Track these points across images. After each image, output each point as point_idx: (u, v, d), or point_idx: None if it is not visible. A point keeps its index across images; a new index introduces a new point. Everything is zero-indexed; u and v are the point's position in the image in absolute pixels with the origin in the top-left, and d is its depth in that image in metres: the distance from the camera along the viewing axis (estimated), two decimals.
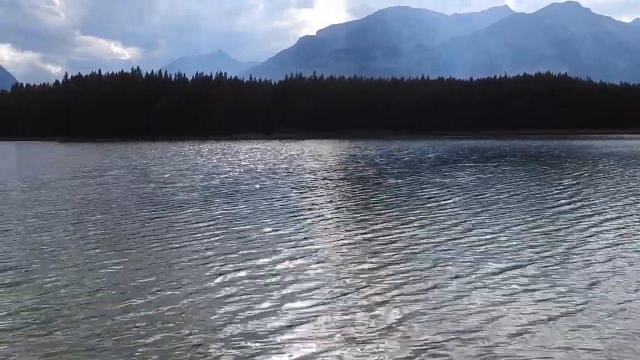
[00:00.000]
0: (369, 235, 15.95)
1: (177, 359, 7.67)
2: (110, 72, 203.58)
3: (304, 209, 21.40)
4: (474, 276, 11.50)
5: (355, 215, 20.03)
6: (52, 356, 7.82)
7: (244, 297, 10.29)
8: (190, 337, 8.43)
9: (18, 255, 13.90)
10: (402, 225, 17.58)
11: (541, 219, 18.56)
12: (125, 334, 8.58)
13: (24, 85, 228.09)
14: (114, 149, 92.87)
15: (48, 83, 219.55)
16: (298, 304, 9.85)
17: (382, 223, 17.99)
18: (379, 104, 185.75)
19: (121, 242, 15.52)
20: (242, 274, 11.88)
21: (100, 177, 37.37)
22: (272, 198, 24.81)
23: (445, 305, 9.69)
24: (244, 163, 49.84)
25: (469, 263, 12.59)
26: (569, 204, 22.15)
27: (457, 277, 11.46)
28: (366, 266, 12.43)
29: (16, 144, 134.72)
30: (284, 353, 7.86)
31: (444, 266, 12.36)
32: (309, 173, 38.12)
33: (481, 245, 14.48)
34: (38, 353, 7.91)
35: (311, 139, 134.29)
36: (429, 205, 22.13)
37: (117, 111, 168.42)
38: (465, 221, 18.14)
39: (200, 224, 18.10)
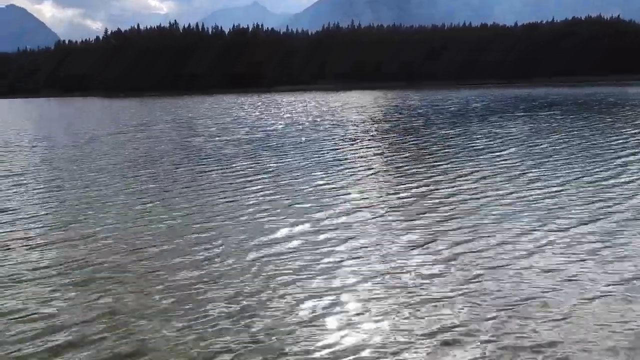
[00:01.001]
0: (423, 189, 15.41)
1: (238, 317, 7.46)
2: (148, 27, 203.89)
3: (354, 162, 20.98)
4: (536, 234, 10.82)
5: (407, 167, 19.45)
6: (105, 312, 7.71)
7: (301, 251, 10.07)
8: (251, 293, 8.24)
9: (72, 210, 13.98)
10: (456, 178, 16.98)
11: (604, 171, 17.58)
12: (180, 289, 8.44)
13: (66, 42, 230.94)
14: (156, 103, 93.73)
15: (89, 39, 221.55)
16: (354, 261, 9.50)
17: (435, 176, 17.42)
18: (419, 52, 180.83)
19: (173, 196, 15.48)
20: (297, 228, 11.62)
21: (147, 131, 37.65)
22: (320, 151, 24.44)
23: (509, 266, 9.12)
24: (287, 115, 49.44)
25: (530, 219, 11.91)
26: (633, 154, 21.03)
27: (519, 235, 10.82)
28: (421, 222, 11.94)
29: (60, 100, 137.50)
30: (342, 310, 7.60)
31: (504, 223, 11.70)
32: (355, 125, 37.47)
33: (542, 199, 13.73)
34: (91, 308, 7.82)
35: (350, 90, 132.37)
36: (482, 157, 21.39)
37: (156, 65, 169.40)
38: (522, 174, 17.35)
39: (251, 178, 17.93)
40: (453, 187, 15.58)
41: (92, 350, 6.64)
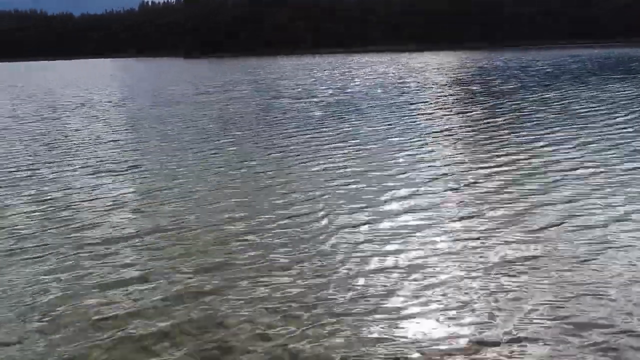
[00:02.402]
0: (522, 158, 14.29)
1: (327, 287, 7.13)
2: None
3: (444, 127, 20.01)
4: None
5: (501, 134, 18.23)
6: (194, 277, 7.61)
7: (389, 221, 9.58)
8: (341, 263, 7.88)
9: (160, 173, 14.01)
10: (556, 146, 15.67)
11: None
12: (268, 256, 8.21)
13: (150, 3, 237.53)
14: (235, 64, 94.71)
15: (171, 0, 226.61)
16: (443, 237, 8.80)
17: (533, 143, 16.17)
18: (503, 4, 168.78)
19: (262, 160, 15.27)
20: (385, 196, 11.05)
21: (231, 92, 37.92)
22: (408, 115, 23.57)
23: (634, 248, 8.10)
24: (369, 77, 48.36)
25: None
26: None
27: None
28: (522, 193, 10.97)
29: (143, 60, 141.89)
30: (430, 287, 7.05)
31: (619, 198, 10.46)
32: (441, 87, 36.07)
33: None
34: (181, 274, 7.71)
35: (426, 50, 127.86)
36: (585, 123, 19.76)
37: (236, 26, 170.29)
38: (635, 143, 15.80)
39: (340, 142, 17.47)
40: (554, 155, 14.39)
41: (180, 316, 6.55)
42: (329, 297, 6.88)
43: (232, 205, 10.87)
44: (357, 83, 41.66)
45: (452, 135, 18.35)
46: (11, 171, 14.78)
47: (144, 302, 6.88)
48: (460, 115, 23.17)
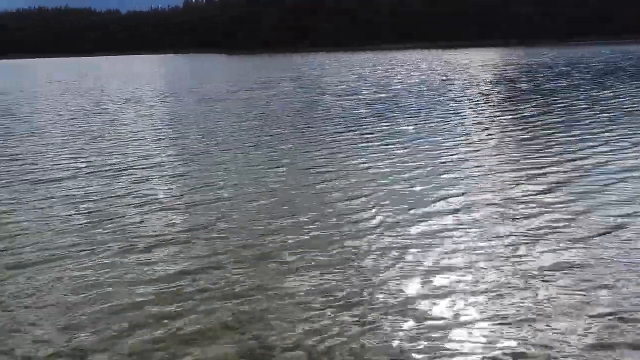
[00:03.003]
0: (578, 159, 13.49)
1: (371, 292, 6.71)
2: None
3: (495, 126, 19.32)
4: None
5: (557, 134, 17.39)
6: (224, 273, 7.54)
7: (432, 225, 9.15)
8: (383, 274, 7.41)
9: (203, 172, 13.79)
10: (621, 150, 14.67)
11: None
12: (311, 267, 7.79)
13: (194, 1, 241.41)
14: (278, 60, 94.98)
15: None
16: (494, 242, 8.25)
17: (597, 147, 15.16)
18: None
19: (307, 160, 14.93)
20: (434, 205, 10.41)
21: (275, 89, 37.82)
22: (457, 113, 22.92)
23: None
24: (413, 74, 47.59)
25: None
26: None
27: None
28: (575, 198, 10.30)
29: (185, 57, 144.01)
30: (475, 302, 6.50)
31: None
32: (488, 85, 35.10)
33: None
34: (220, 277, 7.48)
35: (471, 47, 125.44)
36: None
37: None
38: None
39: (388, 142, 16.97)
40: (617, 160, 13.43)
41: (223, 313, 6.46)
42: (374, 299, 6.65)
43: (276, 204, 10.66)
44: (400, 80, 40.97)
45: (503, 135, 17.64)
46: (56, 169, 14.81)
47: (189, 300, 6.83)
48: (509, 113, 22.34)
